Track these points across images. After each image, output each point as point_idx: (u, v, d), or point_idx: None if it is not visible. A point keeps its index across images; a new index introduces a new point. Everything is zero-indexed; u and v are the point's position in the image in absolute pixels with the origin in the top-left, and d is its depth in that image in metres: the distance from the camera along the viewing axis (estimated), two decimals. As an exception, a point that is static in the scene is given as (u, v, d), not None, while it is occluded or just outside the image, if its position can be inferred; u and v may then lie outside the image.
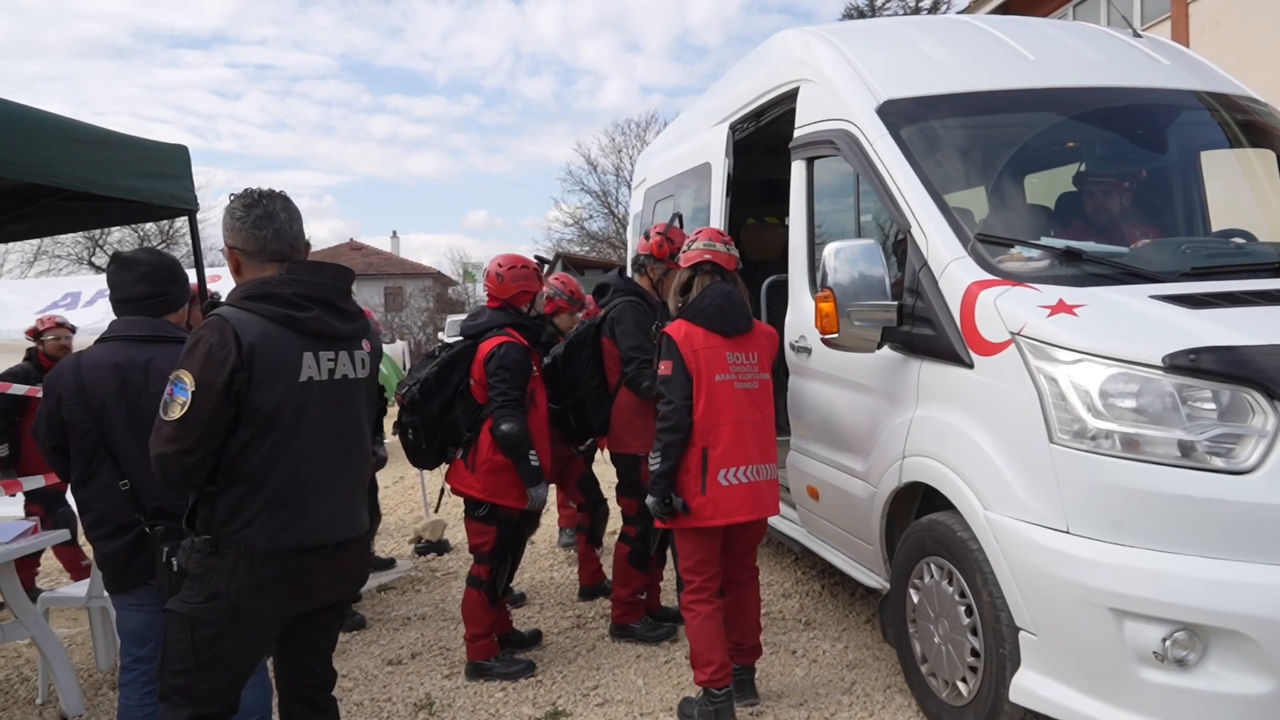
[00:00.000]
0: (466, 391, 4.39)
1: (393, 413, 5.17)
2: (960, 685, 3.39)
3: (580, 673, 4.43)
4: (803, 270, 4.63)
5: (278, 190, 2.63)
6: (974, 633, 3.30)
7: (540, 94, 78.40)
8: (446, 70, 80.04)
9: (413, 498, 8.99)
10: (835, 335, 3.69)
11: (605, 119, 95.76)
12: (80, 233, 29.40)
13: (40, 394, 3.20)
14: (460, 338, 4.53)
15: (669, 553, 4.74)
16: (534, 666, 4.46)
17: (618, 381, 4.65)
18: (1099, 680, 2.85)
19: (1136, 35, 4.88)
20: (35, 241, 31.25)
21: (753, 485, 3.65)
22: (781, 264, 4.97)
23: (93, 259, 32.70)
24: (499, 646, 4.51)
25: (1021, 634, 3.06)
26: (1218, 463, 2.73)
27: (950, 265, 3.48)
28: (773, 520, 4.95)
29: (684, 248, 3.94)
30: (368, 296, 36.19)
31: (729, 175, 5.60)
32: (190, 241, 5.00)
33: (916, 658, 3.69)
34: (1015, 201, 4.18)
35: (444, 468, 4.60)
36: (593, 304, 5.33)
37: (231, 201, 2.60)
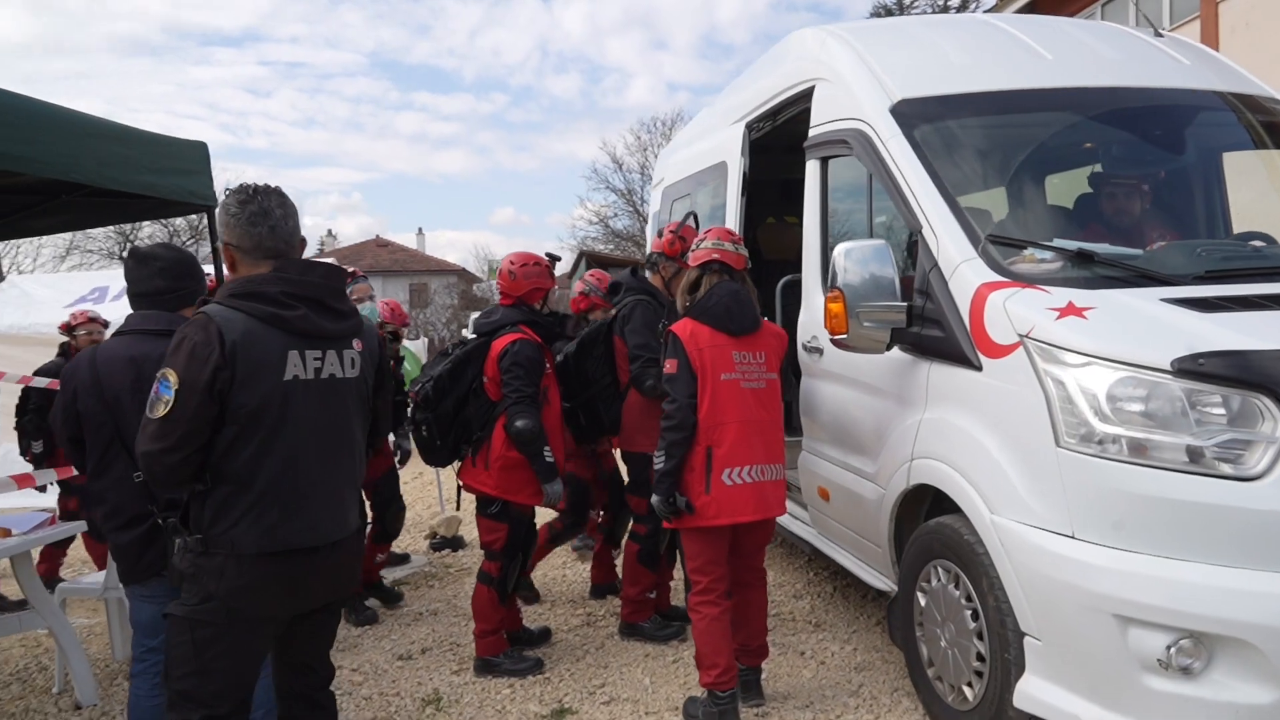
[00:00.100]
0: (480, 389, 4.41)
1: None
2: (966, 690, 3.37)
3: (588, 670, 4.44)
4: (816, 270, 4.62)
5: (274, 186, 2.62)
6: (979, 637, 3.27)
7: (567, 91, 78.54)
8: (474, 68, 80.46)
9: (430, 494, 9.04)
10: (844, 336, 3.68)
11: (631, 117, 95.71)
12: (111, 228, 29.85)
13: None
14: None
15: (679, 552, 4.74)
16: (542, 664, 4.48)
17: (629, 380, 4.66)
18: (1103, 687, 2.82)
19: (1158, 34, 4.82)
20: (67, 236, 31.74)
21: (757, 485, 3.65)
22: (800, 264, 4.95)
23: (123, 254, 33.12)
24: (508, 643, 4.53)
25: (1026, 639, 3.04)
26: (1226, 469, 2.70)
27: (960, 266, 3.46)
28: (784, 521, 4.95)
29: (693, 247, 3.94)
30: (393, 293, 36.40)
31: (745, 174, 5.59)
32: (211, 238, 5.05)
33: (923, 661, 3.67)
34: (1028, 202, 4.14)
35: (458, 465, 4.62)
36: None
37: (226, 197, 2.59)
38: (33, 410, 6.15)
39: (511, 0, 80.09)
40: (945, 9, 28.85)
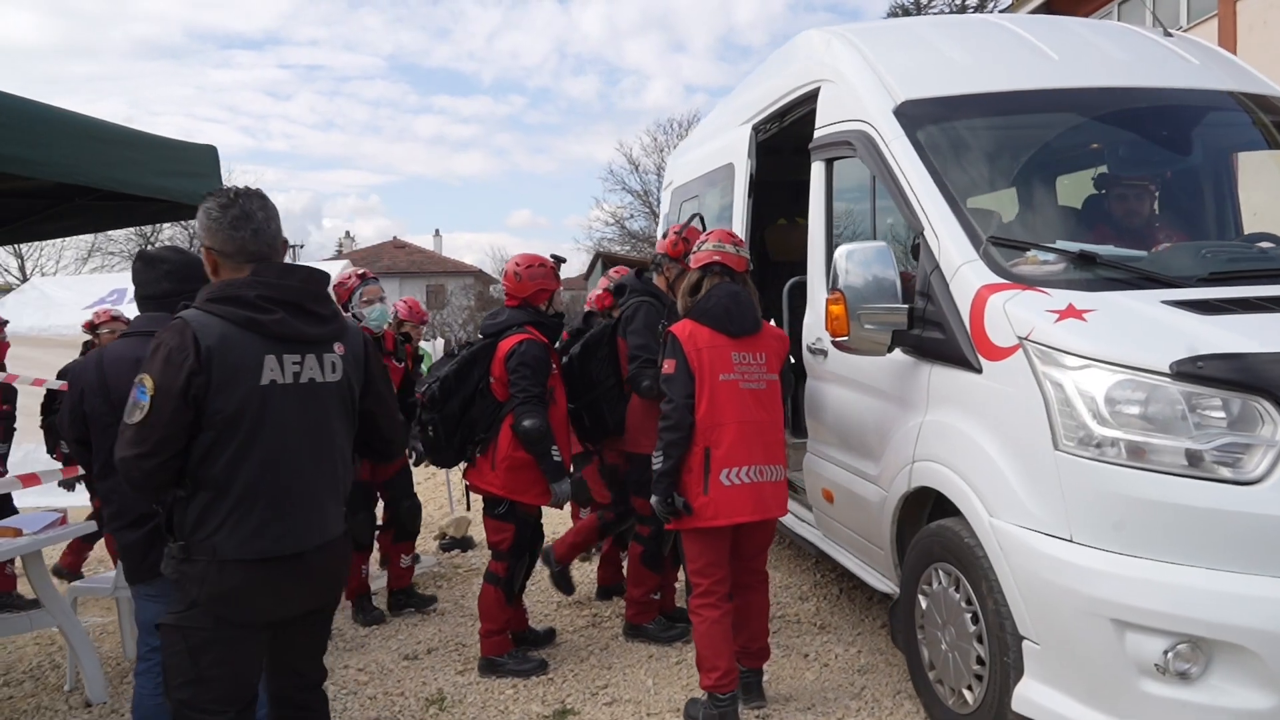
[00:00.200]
0: (486, 389, 4.43)
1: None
2: (966, 693, 3.36)
3: (591, 671, 4.45)
4: (820, 272, 4.60)
5: (254, 188, 2.59)
6: (979, 640, 3.26)
7: (585, 94, 78.86)
8: (492, 70, 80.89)
9: (440, 494, 9.07)
10: (846, 338, 3.67)
11: (648, 119, 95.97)
12: (133, 231, 30.08)
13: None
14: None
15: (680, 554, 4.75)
16: (546, 665, 4.49)
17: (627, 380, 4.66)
18: (1100, 691, 2.80)
19: (1167, 34, 4.78)
20: (89, 239, 32.05)
21: (756, 486, 3.64)
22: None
23: (143, 257, 33.35)
24: (513, 643, 4.55)
25: (1025, 643, 3.02)
26: (1225, 472, 2.68)
27: (961, 268, 3.44)
28: (789, 523, 4.95)
29: (694, 248, 3.94)
30: (410, 294, 36.58)
31: (751, 176, 5.59)
32: None
33: (924, 664, 3.66)
34: (1031, 204, 4.11)
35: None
36: None
37: (207, 201, 2.54)
38: (59, 409, 6.21)
39: (530, 3, 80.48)
40: (963, 9, 28.70)
